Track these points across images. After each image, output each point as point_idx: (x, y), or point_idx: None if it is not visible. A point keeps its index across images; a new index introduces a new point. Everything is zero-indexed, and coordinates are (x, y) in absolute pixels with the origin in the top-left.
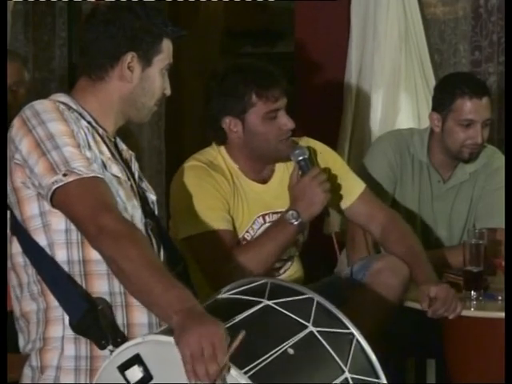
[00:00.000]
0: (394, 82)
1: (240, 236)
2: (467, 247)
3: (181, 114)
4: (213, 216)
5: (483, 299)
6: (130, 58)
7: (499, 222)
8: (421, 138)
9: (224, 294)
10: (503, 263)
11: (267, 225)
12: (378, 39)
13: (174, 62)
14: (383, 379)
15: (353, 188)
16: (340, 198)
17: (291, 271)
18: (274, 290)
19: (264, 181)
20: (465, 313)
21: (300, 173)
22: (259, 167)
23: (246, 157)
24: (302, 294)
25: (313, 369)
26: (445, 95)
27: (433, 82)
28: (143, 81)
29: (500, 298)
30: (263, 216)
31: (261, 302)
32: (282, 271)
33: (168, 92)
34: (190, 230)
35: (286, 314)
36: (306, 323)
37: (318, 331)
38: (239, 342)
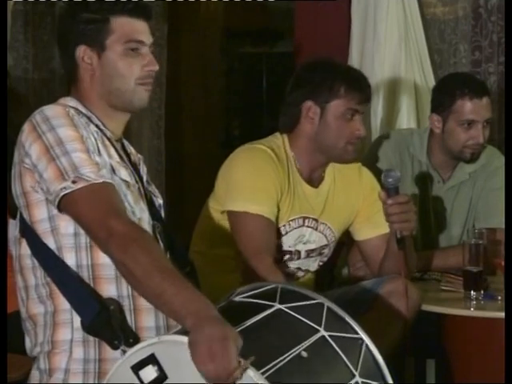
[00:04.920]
0: (394, 82)
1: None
2: (467, 247)
3: (181, 113)
4: (264, 201)
5: (483, 299)
6: (81, 51)
7: (499, 222)
8: (420, 138)
9: (236, 297)
10: (503, 263)
11: (304, 229)
12: (377, 39)
13: (173, 62)
14: (391, 383)
15: (379, 225)
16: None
17: (303, 280)
18: (284, 295)
19: (314, 185)
20: (465, 313)
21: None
22: (315, 165)
23: (308, 149)
24: (312, 299)
25: (325, 372)
26: (445, 96)
27: (433, 82)
28: (104, 67)
29: (500, 297)
30: (304, 218)
31: (273, 306)
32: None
33: (153, 68)
34: (238, 206)
35: (298, 318)
36: (318, 327)
37: (329, 335)
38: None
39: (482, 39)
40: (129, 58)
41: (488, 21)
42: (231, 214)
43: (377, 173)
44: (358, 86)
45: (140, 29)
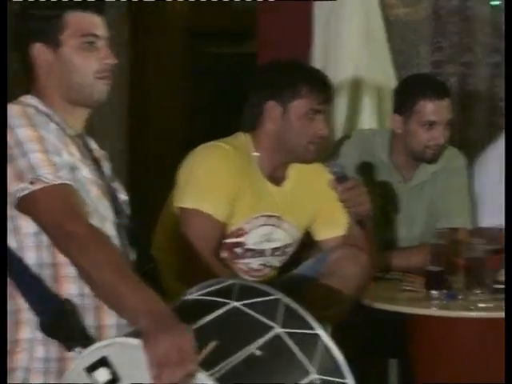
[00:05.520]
0: (356, 83)
1: (238, 226)
2: (428, 247)
3: (144, 113)
4: (216, 200)
5: (444, 299)
6: (36, 49)
7: (460, 222)
8: (382, 138)
9: (191, 295)
10: (463, 263)
11: (268, 227)
12: (340, 40)
13: (137, 62)
14: (350, 379)
15: (339, 225)
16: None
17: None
18: (241, 291)
19: (277, 183)
20: (426, 312)
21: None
22: (278, 164)
23: (270, 148)
24: (270, 294)
25: (280, 370)
26: (406, 97)
27: (395, 83)
28: (61, 63)
29: (461, 297)
30: (267, 216)
31: (228, 304)
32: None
33: (110, 61)
34: (189, 203)
35: (254, 316)
36: (273, 324)
37: (284, 332)
38: (209, 351)
39: (443, 40)
40: (85, 52)
41: (449, 22)
42: (182, 211)
43: None
44: (321, 86)
45: (94, 22)
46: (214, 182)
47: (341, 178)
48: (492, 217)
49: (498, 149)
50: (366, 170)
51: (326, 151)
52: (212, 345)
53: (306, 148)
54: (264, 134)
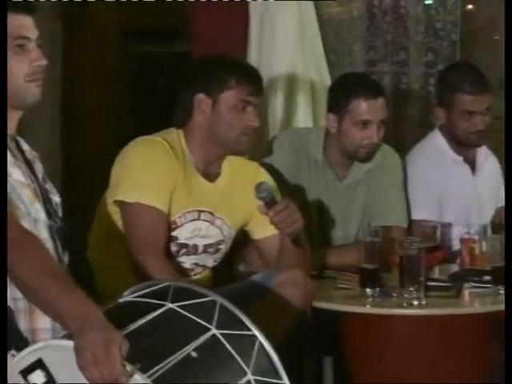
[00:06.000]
0: (291, 81)
1: (170, 220)
2: (362, 245)
3: (78, 113)
4: (157, 192)
5: (378, 296)
6: None
7: (394, 220)
8: (317, 137)
9: (127, 298)
10: (397, 260)
11: (200, 222)
12: (275, 39)
13: (70, 61)
14: (285, 380)
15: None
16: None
17: (200, 276)
18: (177, 293)
19: (210, 179)
20: (361, 310)
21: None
22: (211, 158)
23: (202, 142)
24: (206, 296)
25: (216, 371)
26: (340, 96)
27: (329, 82)
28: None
29: (395, 294)
30: (200, 212)
31: (164, 306)
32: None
33: (41, 62)
34: (130, 197)
35: (189, 317)
36: (209, 326)
37: (220, 333)
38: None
39: (377, 39)
40: (16, 55)
41: (382, 21)
42: (123, 205)
43: (274, 172)
44: (249, 77)
45: (25, 24)
46: (153, 175)
47: (269, 203)
48: (423, 212)
49: (427, 145)
50: (301, 168)
51: (260, 150)
52: (136, 367)
53: (237, 140)
54: (195, 127)
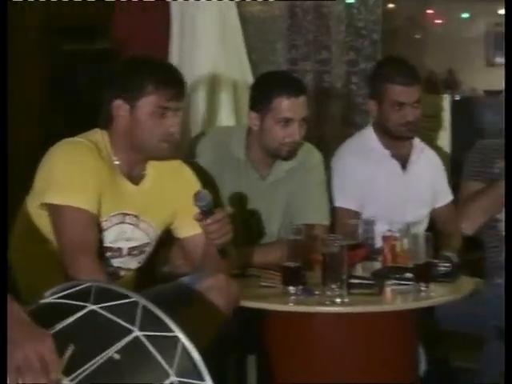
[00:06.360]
0: (213, 80)
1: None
2: (285, 243)
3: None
4: (86, 194)
5: (301, 294)
6: None
7: (316, 218)
8: (239, 135)
9: (47, 299)
10: (320, 258)
11: (125, 225)
12: (196, 37)
13: None
14: (208, 380)
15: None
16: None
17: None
18: (99, 294)
19: (135, 182)
20: (284, 308)
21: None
22: (134, 161)
23: (124, 146)
24: (128, 297)
25: (139, 373)
26: (262, 94)
27: (251, 80)
28: None
29: (317, 292)
30: (124, 215)
31: (86, 307)
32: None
33: None
34: (59, 199)
35: (112, 319)
36: (132, 327)
37: (143, 335)
38: (68, 357)
39: (299, 38)
40: None
41: (304, 20)
42: (52, 208)
43: (197, 170)
44: (168, 82)
45: None
46: (81, 177)
47: (206, 212)
48: (344, 200)
49: (356, 139)
50: (223, 167)
51: (181, 149)
52: (70, 349)
53: (156, 146)
54: (117, 131)
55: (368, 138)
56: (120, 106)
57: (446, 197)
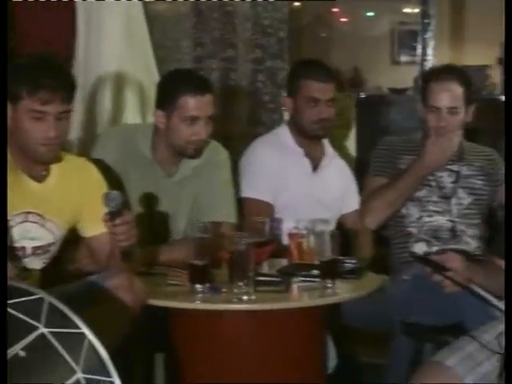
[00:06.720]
0: (119, 78)
1: None
2: (192, 241)
3: None
4: None
5: (208, 292)
6: None
7: (223, 216)
8: (145, 133)
9: None
10: (227, 256)
11: (29, 224)
12: (102, 35)
13: None
14: (115, 377)
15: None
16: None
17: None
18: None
19: (38, 180)
20: (190, 306)
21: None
22: (29, 162)
23: (16, 147)
24: (33, 294)
25: (45, 370)
26: (168, 92)
27: (157, 78)
28: None
29: (224, 290)
30: (27, 213)
31: None
32: None
33: None
34: None
35: (17, 316)
36: (37, 324)
37: (49, 332)
38: None
39: (205, 35)
40: None
41: (210, 18)
42: None
43: (102, 168)
44: (41, 86)
45: None
46: None
47: (114, 213)
48: (252, 190)
49: (270, 136)
50: (129, 165)
51: (87, 147)
52: None
53: (35, 150)
54: (10, 131)
55: (282, 135)
56: (8, 108)
57: (353, 204)
